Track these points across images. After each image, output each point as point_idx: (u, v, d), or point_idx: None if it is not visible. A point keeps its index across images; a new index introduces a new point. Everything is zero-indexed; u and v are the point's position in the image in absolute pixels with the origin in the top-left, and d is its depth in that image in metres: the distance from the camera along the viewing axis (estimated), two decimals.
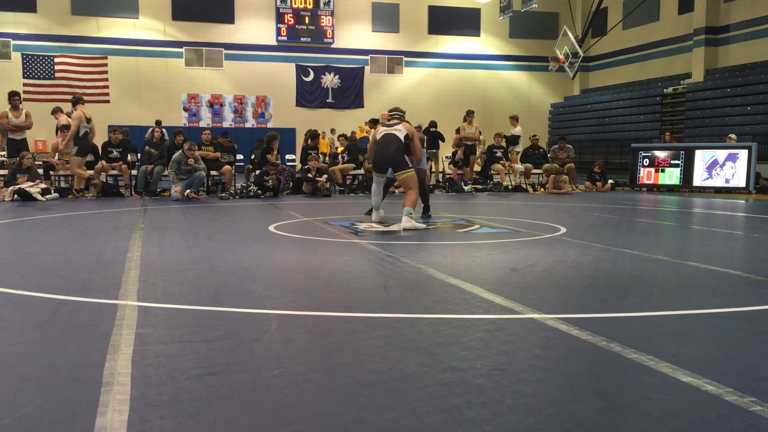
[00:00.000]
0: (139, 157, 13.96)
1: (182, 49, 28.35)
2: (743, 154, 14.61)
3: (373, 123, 17.27)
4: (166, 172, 12.78)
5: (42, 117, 23.38)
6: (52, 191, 12.16)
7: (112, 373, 2.67)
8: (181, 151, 12.37)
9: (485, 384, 2.57)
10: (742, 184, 14.53)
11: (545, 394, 2.49)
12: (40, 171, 12.73)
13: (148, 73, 27.98)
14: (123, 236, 6.92)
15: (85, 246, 6.24)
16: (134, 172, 13.44)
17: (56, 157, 13.10)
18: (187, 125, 27.27)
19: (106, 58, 27.27)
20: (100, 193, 12.70)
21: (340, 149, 17.04)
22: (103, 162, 13.17)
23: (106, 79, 27.30)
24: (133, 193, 13.17)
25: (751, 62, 23.07)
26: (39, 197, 11.51)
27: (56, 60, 26.66)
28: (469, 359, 2.87)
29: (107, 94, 27.34)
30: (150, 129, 15.82)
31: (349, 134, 19.19)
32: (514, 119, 17.60)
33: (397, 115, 8.65)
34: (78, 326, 3.43)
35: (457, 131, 16.50)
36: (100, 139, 15.36)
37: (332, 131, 24.69)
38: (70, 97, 25.65)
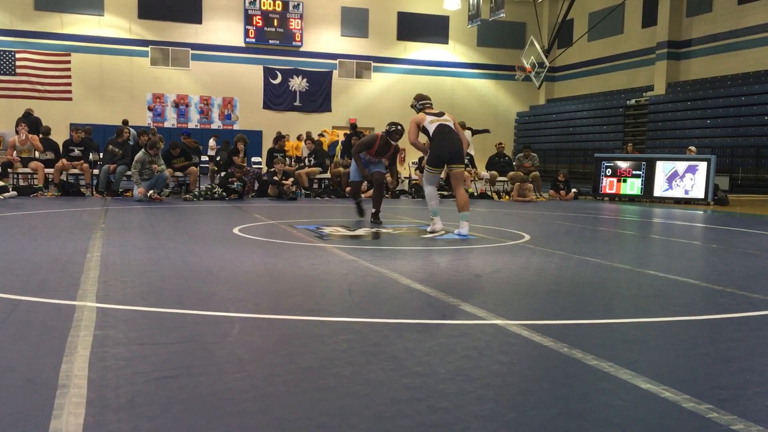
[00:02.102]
0: (101, 156, 13.72)
1: (148, 48, 27.99)
2: (702, 166, 14.93)
3: (353, 128, 17.24)
4: (129, 172, 12.56)
5: (2, 113, 22.90)
6: (10, 189, 11.88)
7: (69, 375, 2.61)
8: (143, 150, 12.15)
9: (448, 389, 2.57)
10: (701, 195, 14.84)
11: (507, 400, 2.51)
12: None
13: (113, 71, 27.56)
14: (83, 236, 6.79)
15: (44, 245, 6.11)
16: (96, 171, 13.21)
17: (14, 155, 12.81)
18: (152, 125, 26.90)
19: (69, 55, 26.80)
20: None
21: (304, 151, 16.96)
22: (64, 160, 12.92)
23: (69, 77, 26.82)
24: (94, 192, 12.94)
25: (711, 77, 23.64)
26: None
27: (17, 56, 26.11)
28: (432, 364, 2.87)
29: (70, 92, 26.86)
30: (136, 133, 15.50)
31: (315, 137, 19.09)
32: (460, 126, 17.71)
33: (429, 104, 8.09)
34: (34, 327, 3.34)
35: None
36: (61, 137, 15.09)
37: (299, 137, 24.53)
38: (31, 93, 25.05)
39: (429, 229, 7.88)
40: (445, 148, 7.67)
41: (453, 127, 7.82)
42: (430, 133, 7.76)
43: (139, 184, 11.94)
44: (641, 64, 26.83)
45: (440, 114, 7.91)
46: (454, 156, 7.71)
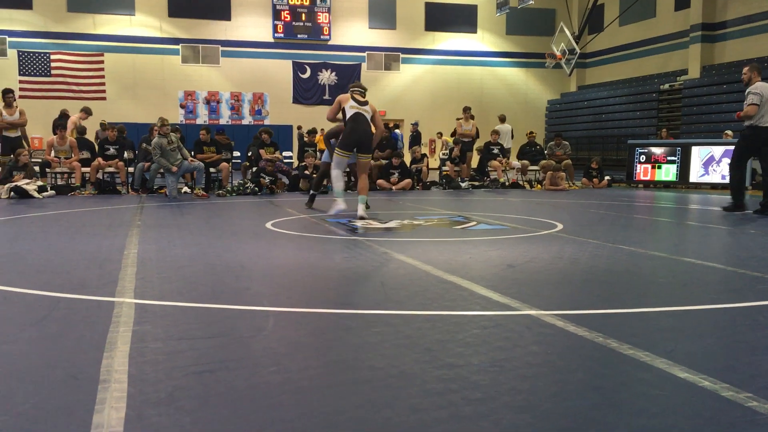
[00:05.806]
0: (135, 154, 13.93)
1: (179, 46, 28.31)
2: None
3: None
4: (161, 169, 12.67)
5: (38, 114, 23.35)
6: (49, 188, 12.13)
7: (109, 370, 2.66)
8: (157, 134, 12.08)
9: (482, 380, 2.57)
10: None
11: (542, 391, 2.50)
12: (37, 168, 12.71)
13: (145, 70, 27.95)
14: (120, 233, 6.91)
15: (82, 243, 6.23)
16: (131, 169, 13.41)
17: (52, 155, 13.07)
18: (184, 122, 27.26)
19: (102, 55, 27.24)
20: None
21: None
22: (100, 159, 13.14)
23: (103, 76, 27.28)
24: (129, 190, 13.14)
25: (747, 58, 23.05)
26: (35, 195, 11.49)
27: (52, 57, 26.62)
28: (466, 356, 2.87)
29: (104, 91, 27.32)
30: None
31: None
32: (500, 119, 17.68)
33: (364, 92, 8.59)
34: (74, 324, 3.42)
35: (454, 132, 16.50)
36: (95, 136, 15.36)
37: None
38: (66, 94, 25.45)
39: (332, 211, 8.37)
40: (354, 135, 8.27)
41: (369, 119, 8.40)
42: (347, 117, 8.34)
43: (168, 166, 11.89)
44: (674, 48, 26.33)
45: (364, 104, 8.42)
46: (361, 145, 8.35)
